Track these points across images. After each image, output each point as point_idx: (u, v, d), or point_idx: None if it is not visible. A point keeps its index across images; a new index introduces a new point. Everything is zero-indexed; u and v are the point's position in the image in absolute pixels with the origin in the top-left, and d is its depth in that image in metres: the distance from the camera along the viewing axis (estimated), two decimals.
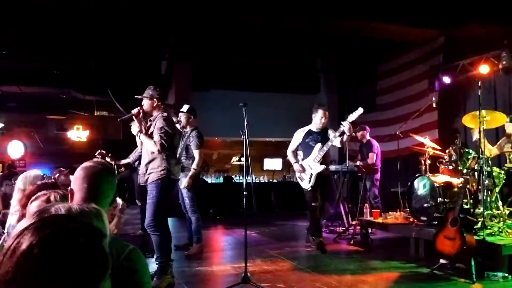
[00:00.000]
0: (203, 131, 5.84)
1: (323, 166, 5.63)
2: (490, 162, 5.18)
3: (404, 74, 9.01)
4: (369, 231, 6.51)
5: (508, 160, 5.62)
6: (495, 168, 5.28)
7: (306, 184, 5.74)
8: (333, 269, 4.85)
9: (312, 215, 5.80)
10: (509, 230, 4.78)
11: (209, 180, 11.52)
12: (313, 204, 5.69)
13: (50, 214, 0.90)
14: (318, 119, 5.76)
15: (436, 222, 5.26)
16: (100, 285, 0.83)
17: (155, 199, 4.19)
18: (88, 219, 1.13)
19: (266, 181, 12.36)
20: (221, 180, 11.68)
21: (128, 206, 7.14)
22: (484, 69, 6.83)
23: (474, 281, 4.10)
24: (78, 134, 13.02)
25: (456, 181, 5.54)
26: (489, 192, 5.06)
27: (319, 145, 5.68)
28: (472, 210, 4.79)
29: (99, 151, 5.50)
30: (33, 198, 2.06)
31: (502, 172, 5.33)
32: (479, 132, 4.91)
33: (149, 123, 4.44)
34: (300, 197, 6.39)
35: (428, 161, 5.91)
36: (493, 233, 4.72)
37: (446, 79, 7.58)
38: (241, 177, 11.23)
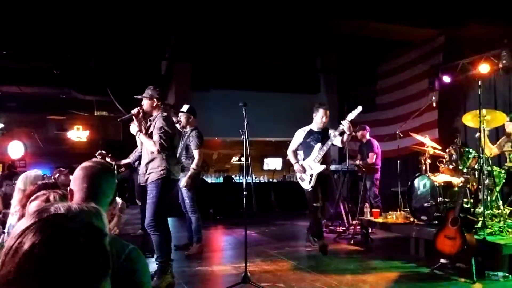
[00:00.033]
0: (203, 131, 5.84)
1: (323, 166, 5.60)
2: (490, 161, 5.18)
3: (404, 74, 9.01)
4: (369, 230, 6.51)
5: (508, 160, 5.61)
6: (495, 168, 5.27)
7: (306, 185, 5.72)
8: (333, 269, 4.84)
9: (313, 215, 5.77)
10: (509, 230, 4.77)
11: (209, 180, 11.52)
12: (314, 204, 5.65)
13: (50, 214, 0.90)
14: (319, 118, 5.74)
15: (437, 222, 5.26)
16: (101, 284, 0.83)
17: (155, 199, 4.18)
18: (88, 218, 1.12)
19: (266, 181, 12.37)
20: (221, 180, 11.68)
21: (128, 206, 7.15)
22: (484, 68, 6.83)
23: (474, 281, 4.10)
24: (78, 134, 13.04)
25: (456, 180, 5.53)
26: (490, 192, 5.05)
27: (319, 144, 5.65)
28: (472, 209, 4.79)
29: (99, 151, 5.49)
30: (32, 198, 2.06)
31: (503, 171, 5.33)
32: (479, 131, 4.92)
33: (149, 123, 4.44)
34: (300, 197, 6.39)
35: (428, 161, 5.90)
36: (493, 233, 4.72)
37: (446, 79, 7.58)
38: (241, 177, 11.25)
